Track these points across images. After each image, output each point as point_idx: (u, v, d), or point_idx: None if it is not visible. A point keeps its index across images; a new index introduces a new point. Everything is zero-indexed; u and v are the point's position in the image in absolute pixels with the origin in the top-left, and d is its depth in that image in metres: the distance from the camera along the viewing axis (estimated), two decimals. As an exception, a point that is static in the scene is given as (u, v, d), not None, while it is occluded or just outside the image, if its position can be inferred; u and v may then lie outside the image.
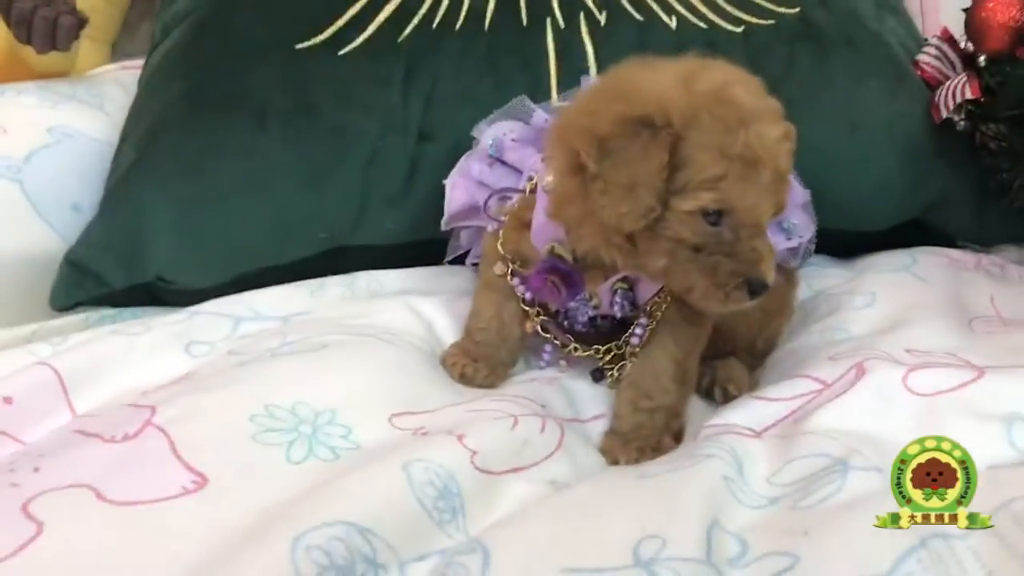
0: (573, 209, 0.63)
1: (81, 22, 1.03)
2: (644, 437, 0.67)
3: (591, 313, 0.71)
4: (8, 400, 0.62)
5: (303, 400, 0.60)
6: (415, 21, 0.90)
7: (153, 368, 0.69)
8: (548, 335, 0.74)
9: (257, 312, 0.78)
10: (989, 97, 0.94)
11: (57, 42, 1.02)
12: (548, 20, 0.91)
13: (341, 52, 0.89)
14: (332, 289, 0.84)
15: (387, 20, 0.91)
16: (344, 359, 0.67)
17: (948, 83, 0.94)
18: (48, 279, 0.87)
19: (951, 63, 0.97)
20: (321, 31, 0.90)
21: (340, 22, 0.90)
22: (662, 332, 0.69)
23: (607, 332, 0.73)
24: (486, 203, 0.77)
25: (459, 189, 0.81)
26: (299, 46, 0.89)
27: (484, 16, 0.91)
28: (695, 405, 0.73)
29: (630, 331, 0.70)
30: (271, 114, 0.87)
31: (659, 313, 0.69)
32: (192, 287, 0.84)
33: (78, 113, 1.03)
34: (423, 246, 0.88)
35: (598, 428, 0.69)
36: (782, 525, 0.51)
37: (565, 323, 0.73)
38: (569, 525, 0.50)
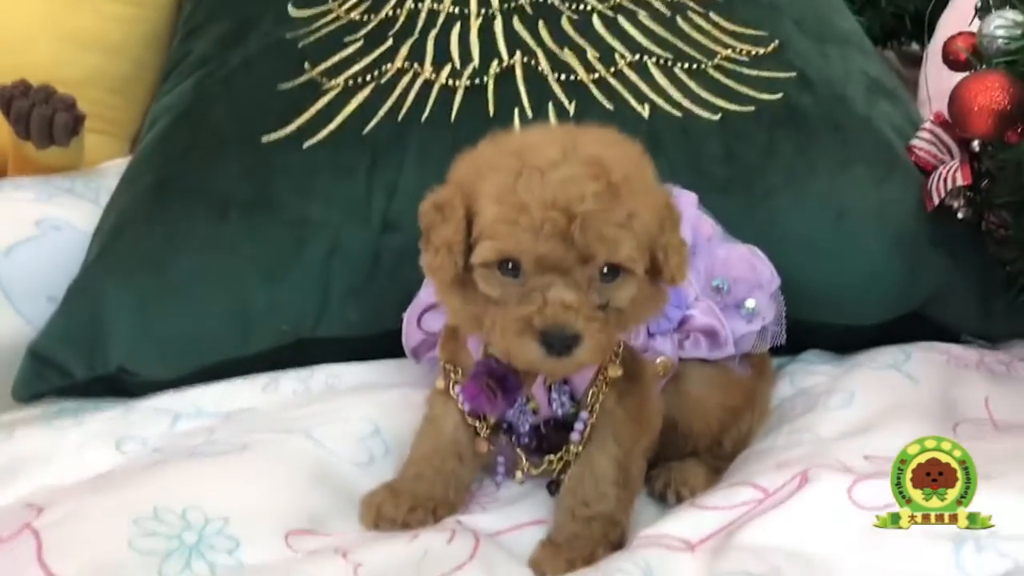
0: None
1: (78, 119, 1.06)
2: (578, 548, 0.62)
3: (531, 420, 0.67)
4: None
5: (196, 505, 0.57)
6: (381, 113, 0.90)
7: (77, 465, 0.68)
8: (501, 453, 0.70)
9: (200, 408, 0.77)
10: (989, 182, 0.89)
11: (55, 138, 1.05)
12: (516, 110, 0.90)
13: (305, 145, 0.89)
14: (285, 384, 0.82)
15: (352, 113, 0.90)
16: (260, 465, 0.65)
17: (940, 169, 0.89)
18: (12, 369, 0.88)
19: (947, 148, 0.92)
20: (288, 124, 0.90)
21: (307, 114, 0.90)
22: (602, 430, 0.65)
23: (554, 441, 0.68)
24: (419, 320, 0.76)
25: (411, 323, 0.79)
26: (264, 139, 0.89)
27: (451, 107, 0.90)
28: (648, 509, 0.68)
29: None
30: (233, 206, 0.86)
31: (597, 405, 0.65)
32: (155, 378, 0.83)
33: (71, 206, 1.04)
34: (386, 337, 0.85)
35: (529, 537, 0.64)
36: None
37: (513, 439, 0.69)
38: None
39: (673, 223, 0.62)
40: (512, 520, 0.66)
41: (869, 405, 0.74)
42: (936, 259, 0.89)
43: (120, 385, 0.85)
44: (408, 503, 0.65)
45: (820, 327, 0.87)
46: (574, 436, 0.66)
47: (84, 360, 0.84)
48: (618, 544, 0.64)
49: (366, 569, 0.53)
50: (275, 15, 1.01)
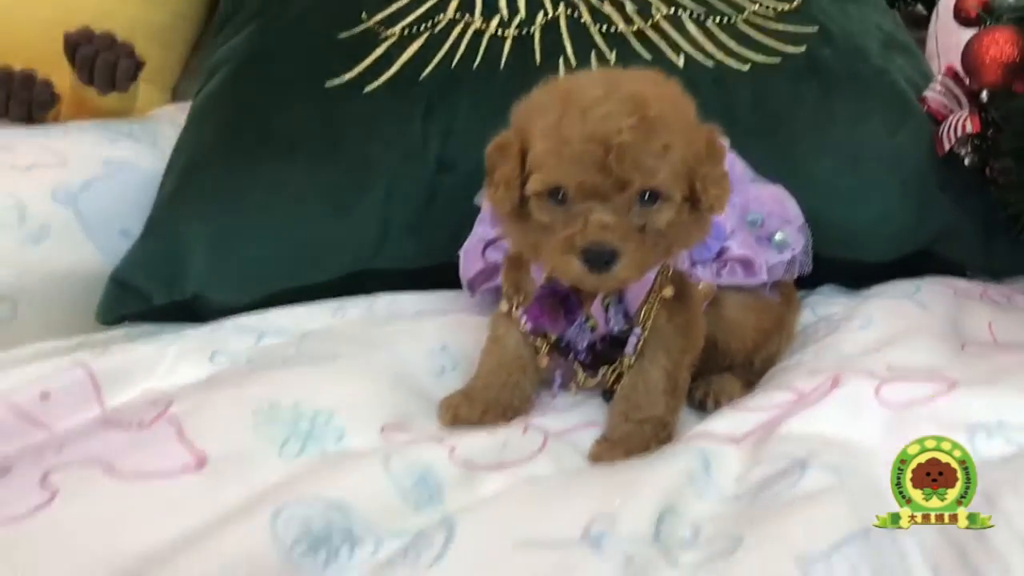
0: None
1: (139, 64, 1.12)
2: (632, 444, 0.70)
3: (590, 337, 0.75)
4: (46, 395, 0.68)
5: (306, 401, 0.65)
6: (435, 61, 0.97)
7: (178, 373, 0.76)
8: (559, 367, 0.76)
9: (280, 328, 0.84)
10: (995, 131, 0.96)
11: (117, 83, 1.11)
12: (560, 59, 0.97)
13: (366, 90, 0.96)
14: (352, 310, 0.89)
15: (409, 60, 0.97)
16: (351, 369, 0.72)
17: (951, 118, 0.96)
18: (94, 297, 0.94)
19: (956, 99, 0.99)
20: (349, 70, 0.97)
21: (366, 62, 0.97)
22: (653, 344, 0.72)
23: (608, 355, 0.76)
24: (483, 251, 0.83)
25: (471, 254, 0.87)
26: (327, 85, 0.96)
27: (500, 56, 0.97)
28: (689, 416, 0.76)
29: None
30: (300, 148, 0.93)
31: (649, 322, 0.72)
32: (226, 304, 0.90)
33: (132, 148, 1.11)
34: (439, 270, 0.92)
35: (587, 437, 0.72)
36: (736, 516, 0.54)
37: (570, 355, 0.76)
38: (531, 505, 0.54)
39: (714, 157, 0.68)
40: (570, 423, 0.73)
41: (886, 327, 0.82)
42: (944, 201, 0.96)
43: (193, 310, 0.91)
44: (481, 407, 0.72)
45: (836, 263, 0.94)
46: (628, 349, 0.73)
47: (163, 286, 0.90)
48: (666, 443, 0.72)
49: (459, 452, 0.61)
50: (330, -35, 1.07)
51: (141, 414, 0.62)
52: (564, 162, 0.63)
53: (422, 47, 0.98)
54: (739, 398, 0.77)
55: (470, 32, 0.98)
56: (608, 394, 0.77)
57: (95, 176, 1.03)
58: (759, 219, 0.83)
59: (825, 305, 0.93)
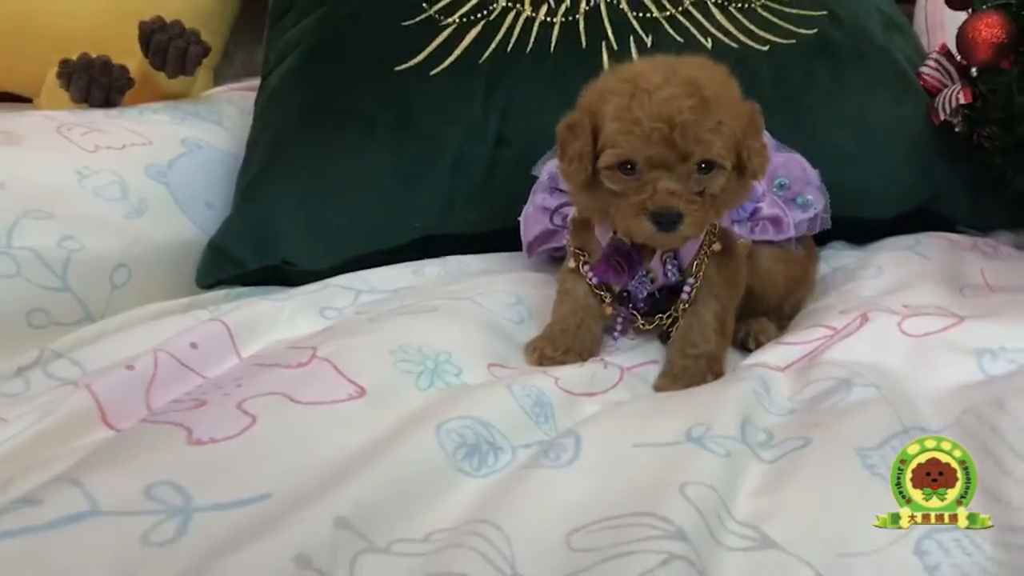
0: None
1: (206, 51, 1.22)
2: (690, 376, 0.82)
3: (649, 288, 0.87)
4: (195, 345, 0.79)
5: (426, 343, 0.77)
6: (492, 46, 1.08)
7: (296, 326, 0.87)
8: (620, 314, 0.88)
9: (373, 286, 0.95)
10: (983, 103, 1.10)
11: (187, 68, 1.21)
12: (603, 43, 1.09)
13: (432, 73, 1.07)
14: (429, 269, 1.01)
15: (469, 45, 1.08)
16: (451, 318, 0.83)
17: (945, 91, 1.10)
18: (187, 262, 1.04)
19: (949, 74, 1.12)
20: (415, 56, 1.08)
21: (431, 47, 1.08)
22: (704, 292, 0.84)
23: (662, 304, 0.88)
24: (551, 217, 0.95)
25: (531, 220, 0.98)
26: (397, 68, 1.07)
27: (550, 41, 1.09)
28: (732, 354, 0.88)
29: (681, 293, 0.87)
30: (376, 125, 1.04)
31: (700, 273, 0.84)
32: (311, 268, 1.01)
33: (201, 128, 1.21)
34: (499, 235, 1.04)
35: (651, 372, 0.85)
36: (799, 423, 0.68)
37: (631, 305, 0.89)
38: (639, 418, 0.66)
39: (756, 131, 0.80)
40: (636, 360, 0.85)
41: (895, 274, 0.95)
42: (939, 164, 1.10)
43: (281, 274, 1.03)
44: (563, 347, 0.84)
45: (845, 220, 1.05)
46: (683, 296, 0.85)
47: (255, 252, 1.01)
48: (718, 375, 0.84)
49: (562, 380, 0.73)
50: (386, -43, 1.18)
51: (293, 357, 0.73)
52: (635, 139, 0.74)
53: (480, 34, 1.09)
54: (773, 338, 0.91)
55: (522, 19, 1.10)
56: (664, 336, 0.89)
57: (178, 154, 1.13)
58: (786, 182, 0.96)
59: (838, 258, 1.07)
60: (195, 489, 0.57)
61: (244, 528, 0.54)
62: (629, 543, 0.52)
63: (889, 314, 0.80)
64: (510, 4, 1.11)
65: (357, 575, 0.52)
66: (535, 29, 1.09)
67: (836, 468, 0.60)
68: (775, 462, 0.62)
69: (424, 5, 1.12)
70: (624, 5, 1.11)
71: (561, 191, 0.95)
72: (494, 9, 1.11)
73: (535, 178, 1.01)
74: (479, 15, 1.10)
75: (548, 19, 1.10)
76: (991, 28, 0.99)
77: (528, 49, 1.08)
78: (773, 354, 0.81)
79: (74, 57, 1.19)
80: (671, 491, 0.56)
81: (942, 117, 1.08)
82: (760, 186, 0.94)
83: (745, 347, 0.91)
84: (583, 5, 1.11)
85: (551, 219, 0.95)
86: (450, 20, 1.10)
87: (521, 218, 1.00)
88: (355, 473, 0.59)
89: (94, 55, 1.19)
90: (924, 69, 1.14)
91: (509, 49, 1.08)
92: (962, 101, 1.06)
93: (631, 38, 1.09)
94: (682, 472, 0.58)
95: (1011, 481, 0.58)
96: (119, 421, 0.70)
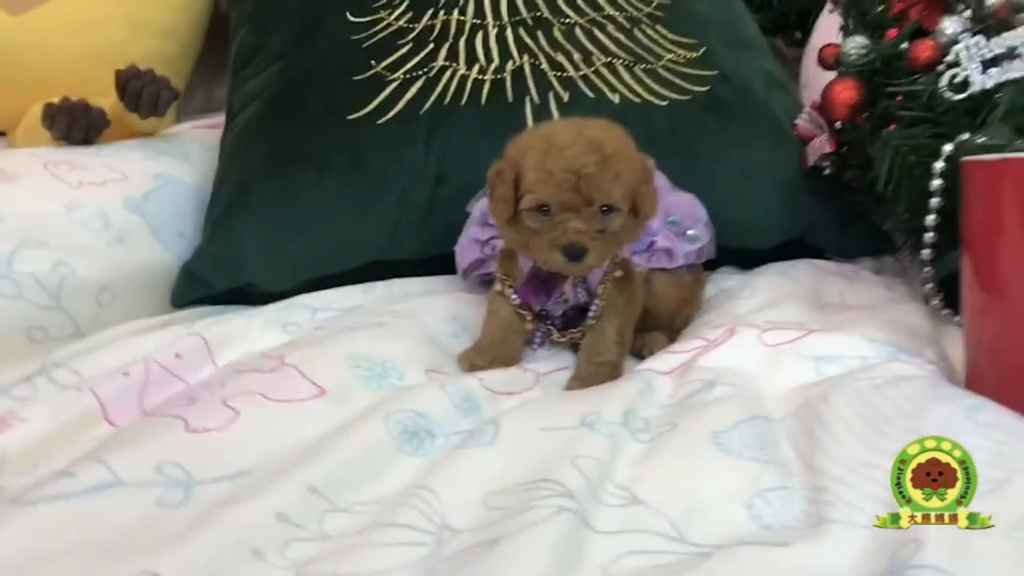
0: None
1: (176, 95, 1.37)
2: (594, 380, 0.98)
3: (563, 307, 1.04)
4: (179, 355, 0.94)
5: (375, 353, 0.93)
6: (432, 98, 1.24)
7: (263, 339, 1.02)
8: (539, 329, 1.03)
9: (328, 305, 1.10)
10: (847, 150, 1.30)
11: (158, 110, 1.36)
12: (527, 98, 1.25)
13: (380, 121, 1.23)
14: (377, 291, 1.16)
15: (412, 98, 1.24)
16: (396, 332, 0.98)
17: (815, 140, 1.30)
18: (163, 285, 1.18)
19: (819, 125, 1.32)
20: (365, 106, 1.24)
21: (379, 99, 1.23)
22: (607, 311, 0.98)
23: (574, 321, 1.04)
24: (482, 247, 1.11)
25: (465, 250, 1.13)
26: (349, 117, 1.23)
27: (481, 95, 1.25)
28: (630, 361, 1.06)
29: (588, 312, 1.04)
30: (331, 166, 1.20)
31: (604, 296, 1.00)
32: (272, 290, 1.15)
33: (171, 164, 1.35)
34: (438, 260, 1.20)
35: (562, 376, 1.02)
36: (671, 414, 0.85)
37: (548, 321, 1.05)
38: (545, 409, 0.84)
39: (648, 179, 0.97)
40: (551, 367, 1.00)
41: (767, 294, 1.13)
42: (811, 201, 1.27)
43: (246, 296, 1.17)
44: (489, 357, 0.99)
45: (732, 250, 1.23)
46: (590, 314, 1.01)
47: (223, 276, 1.15)
48: (617, 379, 1.02)
49: (486, 382, 0.90)
50: (337, 20, 1.33)
51: (264, 363, 0.89)
52: (549, 187, 0.88)
53: (421, 88, 1.25)
54: (665, 348, 1.09)
55: (457, 76, 1.27)
56: (575, 348, 1.06)
57: (152, 188, 1.27)
58: (677, 220, 1.14)
59: (723, 281, 1.24)
60: (195, 468, 0.73)
61: (235, 495, 0.70)
62: (530, 501, 0.69)
63: (752, 328, 0.99)
64: (447, 63, 1.28)
65: (325, 526, 0.68)
66: (469, 85, 1.26)
67: (693, 445, 0.78)
68: (648, 442, 0.80)
69: (372, 63, 1.28)
70: (545, 65, 1.29)
71: (490, 225, 1.12)
72: (433, 67, 1.28)
73: (468, 213, 1.18)
74: (420, 72, 1.27)
75: (480, 76, 1.27)
76: (847, 91, 1.19)
77: (463, 102, 1.25)
78: (660, 361, 0.99)
79: (55, 98, 1.33)
80: (565, 462, 0.73)
81: (811, 162, 1.28)
82: (655, 223, 1.12)
83: (641, 356, 1.08)
84: (510, 65, 1.28)
85: (482, 249, 1.12)
86: (395, 76, 1.27)
87: (457, 248, 1.16)
88: (320, 453, 0.75)
89: (73, 98, 1.33)
90: (798, 121, 1.34)
91: (447, 102, 1.25)
92: (828, 150, 1.25)
93: (550, 94, 1.26)
94: (575, 449, 0.76)
95: (823, 455, 0.77)
96: (119, 419, 0.85)
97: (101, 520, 0.66)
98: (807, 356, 0.94)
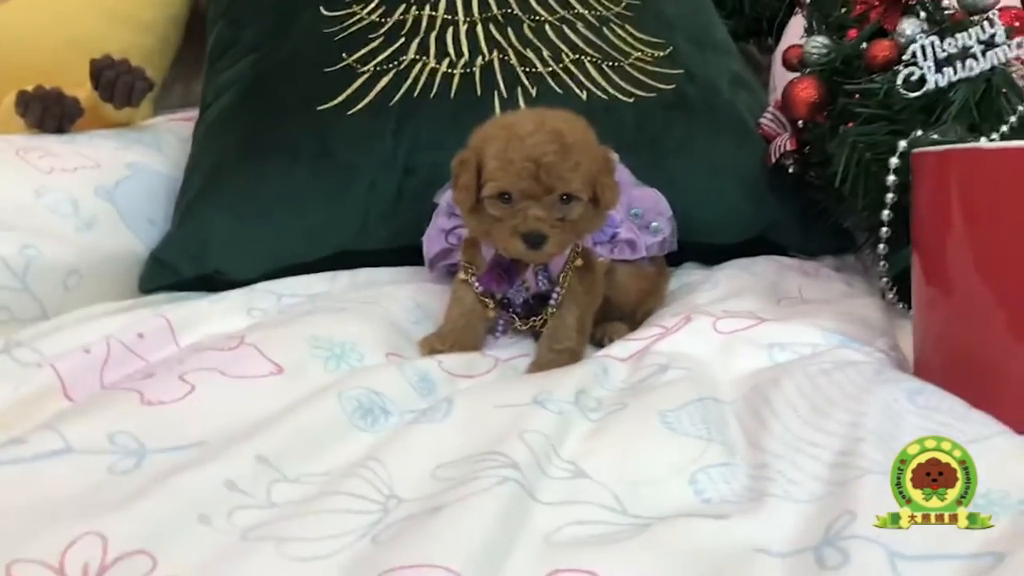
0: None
1: (151, 86, 1.39)
2: (554, 368, 1.01)
3: (524, 295, 1.07)
4: (141, 335, 0.95)
5: (336, 335, 0.94)
6: (402, 91, 1.26)
7: (227, 322, 1.03)
8: (502, 317, 1.05)
9: (294, 291, 1.12)
10: (809, 148, 1.32)
11: (132, 100, 1.37)
12: (495, 92, 1.28)
13: (350, 112, 1.25)
14: (342, 279, 1.18)
15: (382, 90, 1.26)
16: (358, 316, 0.99)
17: (778, 139, 1.32)
18: (131, 270, 1.20)
19: (782, 124, 1.34)
20: (336, 97, 1.26)
21: (349, 91, 1.26)
22: (568, 298, 1.00)
23: (535, 308, 1.07)
24: (447, 237, 1.13)
25: (432, 240, 1.15)
26: (320, 108, 1.25)
27: (451, 89, 1.27)
28: (590, 350, 1.07)
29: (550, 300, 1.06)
30: (301, 155, 1.22)
31: (566, 284, 1.02)
32: (240, 278, 1.16)
33: (144, 153, 1.37)
34: (405, 251, 1.21)
35: (522, 362, 1.04)
36: (623, 395, 0.87)
37: (509, 309, 1.08)
38: (499, 388, 0.85)
39: (609, 170, 0.99)
40: (511, 354, 1.01)
41: (726, 287, 1.15)
42: (773, 199, 1.30)
43: (213, 283, 1.19)
44: (450, 342, 1.00)
45: (695, 246, 1.26)
46: (551, 302, 1.04)
47: (191, 263, 1.17)
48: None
49: (444, 364, 0.91)
50: (311, 14, 1.35)
51: (224, 343, 0.90)
52: (510, 175, 0.91)
53: (391, 80, 1.27)
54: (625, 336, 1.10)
55: (427, 69, 1.29)
56: (537, 335, 1.08)
57: (124, 176, 1.29)
58: (640, 213, 1.16)
59: (687, 275, 1.27)
60: (148, 438, 0.74)
61: (186, 463, 0.71)
62: (477, 472, 0.70)
63: (707, 316, 1.01)
64: (417, 57, 1.30)
65: (273, 495, 0.70)
66: (438, 78, 1.28)
67: (640, 423, 0.79)
68: (598, 421, 0.82)
69: (344, 55, 1.30)
70: (513, 60, 1.31)
71: (456, 215, 1.14)
72: (404, 60, 1.30)
73: (436, 205, 1.19)
74: (391, 65, 1.29)
75: (449, 70, 1.29)
76: (807, 90, 1.22)
77: (432, 95, 1.27)
78: (619, 348, 1.01)
79: (30, 87, 1.34)
80: (513, 436, 0.75)
81: (773, 160, 1.30)
82: (618, 215, 1.14)
83: (601, 344, 1.10)
84: (479, 60, 1.31)
85: (447, 239, 1.14)
86: (366, 68, 1.29)
87: (424, 238, 1.18)
88: (272, 426, 0.76)
89: (48, 86, 1.34)
90: (762, 120, 1.37)
91: (416, 94, 1.27)
92: (790, 148, 1.28)
93: (519, 89, 1.28)
94: (524, 424, 0.77)
95: (767, 434, 0.78)
96: (78, 395, 0.86)
97: (50, 484, 0.67)
98: (759, 344, 0.96)
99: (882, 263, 1.13)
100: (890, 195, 1.10)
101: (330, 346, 0.93)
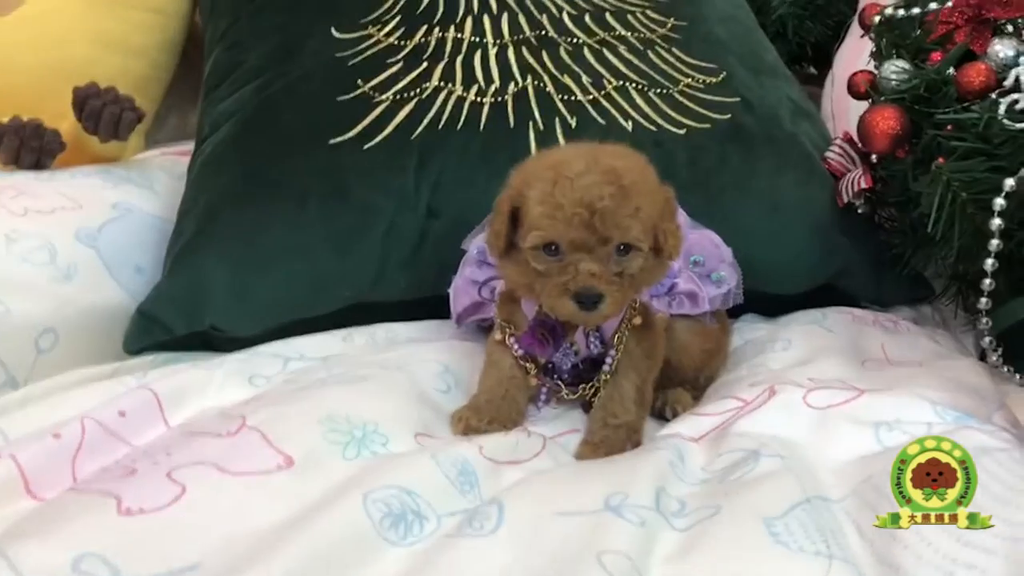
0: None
1: (140, 117, 1.24)
2: (610, 446, 0.86)
3: (573, 360, 0.91)
4: (122, 413, 0.80)
5: (354, 413, 0.79)
6: (425, 122, 1.12)
7: (225, 394, 0.88)
8: (545, 385, 0.91)
9: (302, 354, 0.97)
10: (883, 186, 1.18)
11: (119, 133, 1.23)
12: (531, 123, 1.13)
13: (366, 147, 1.10)
14: (357, 338, 1.02)
15: (403, 121, 1.12)
16: (379, 388, 0.85)
17: (848, 175, 1.17)
18: (116, 327, 1.04)
19: (852, 159, 1.20)
20: (350, 129, 1.11)
21: (365, 122, 1.11)
22: (624, 364, 0.88)
23: (586, 375, 0.92)
24: (480, 290, 0.98)
25: (460, 292, 1.01)
26: (332, 141, 1.11)
27: (480, 120, 1.13)
28: (650, 423, 0.92)
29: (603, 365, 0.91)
30: (310, 195, 1.07)
31: (622, 346, 0.88)
32: (239, 335, 1.01)
33: (133, 192, 1.22)
34: (427, 302, 1.07)
35: (572, 440, 0.88)
36: (711, 492, 0.71)
37: (555, 375, 0.92)
38: (560, 486, 0.70)
39: (671, 214, 0.86)
40: (559, 429, 0.88)
41: (803, 347, 1.01)
42: (843, 243, 1.15)
43: (208, 340, 1.03)
44: (487, 417, 0.86)
45: (756, 295, 1.11)
46: (605, 367, 0.89)
47: (184, 318, 1.01)
48: (637, 444, 0.88)
49: (486, 449, 0.76)
50: (321, 36, 1.21)
51: (222, 426, 0.75)
52: (558, 223, 0.78)
53: (412, 110, 1.13)
54: (689, 408, 0.95)
55: (453, 98, 1.14)
56: (586, 406, 0.93)
57: (108, 218, 1.14)
58: (701, 260, 1.01)
59: (750, 331, 1.12)
60: (123, 562, 0.58)
61: (172, 599, 0.55)
62: (548, 612, 0.55)
63: (795, 387, 0.86)
64: (442, 84, 1.16)
65: (286, 644, 0.54)
66: (466, 108, 1.14)
67: (742, 536, 0.64)
68: (687, 530, 0.66)
69: (359, 82, 1.16)
70: (550, 88, 1.17)
71: (489, 265, 0.99)
72: (427, 88, 1.15)
73: (464, 251, 1.04)
74: (412, 93, 1.15)
75: (478, 99, 1.15)
76: (887, 120, 1.07)
77: (459, 126, 1.12)
78: (688, 425, 0.86)
79: (5, 117, 1.19)
80: (589, 561, 0.59)
81: (845, 199, 1.16)
82: (677, 263, 0.99)
83: (662, 416, 0.95)
84: (512, 87, 1.16)
85: (479, 292, 0.99)
86: (384, 97, 1.14)
87: (451, 290, 1.03)
88: (284, 543, 0.61)
89: (26, 117, 1.19)
90: (829, 154, 1.22)
91: (441, 126, 1.12)
92: (863, 186, 1.13)
93: (556, 119, 1.14)
94: (600, 541, 0.62)
95: (901, 548, 0.62)
96: (43, 491, 0.71)
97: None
98: (862, 421, 0.81)
99: (984, 319, 0.98)
100: (995, 241, 0.95)
101: (348, 428, 0.77)
